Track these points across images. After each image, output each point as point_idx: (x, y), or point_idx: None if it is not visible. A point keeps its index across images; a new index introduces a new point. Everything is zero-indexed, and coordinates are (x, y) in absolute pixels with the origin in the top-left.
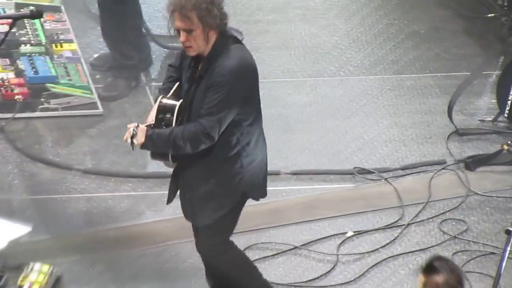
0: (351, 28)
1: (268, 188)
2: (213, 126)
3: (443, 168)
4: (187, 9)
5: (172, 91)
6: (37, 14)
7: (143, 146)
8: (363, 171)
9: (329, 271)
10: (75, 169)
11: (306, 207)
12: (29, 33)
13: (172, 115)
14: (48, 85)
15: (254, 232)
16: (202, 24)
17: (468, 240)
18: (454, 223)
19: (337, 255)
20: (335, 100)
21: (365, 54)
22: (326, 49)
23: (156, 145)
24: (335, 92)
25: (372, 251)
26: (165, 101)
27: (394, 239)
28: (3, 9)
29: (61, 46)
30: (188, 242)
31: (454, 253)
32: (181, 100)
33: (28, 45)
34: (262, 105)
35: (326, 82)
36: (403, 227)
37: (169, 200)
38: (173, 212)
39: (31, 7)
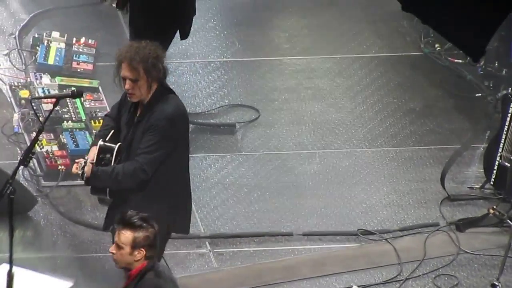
0: (355, 106)
1: (281, 248)
2: (148, 163)
3: (437, 230)
4: (136, 61)
5: (109, 136)
6: (77, 94)
7: (88, 181)
8: (366, 232)
9: None
10: (111, 231)
11: (316, 264)
12: (71, 110)
13: (112, 155)
14: None
15: (270, 286)
16: (147, 76)
17: None
18: (446, 278)
19: None
20: (341, 169)
21: (368, 129)
22: (333, 124)
23: (100, 180)
24: (341, 162)
25: None
26: (104, 143)
27: None
28: (48, 89)
29: (99, 122)
30: None
31: None
32: (119, 143)
33: (70, 121)
34: (277, 173)
35: (333, 154)
36: (402, 281)
37: (105, 228)
38: (198, 269)
39: (73, 88)
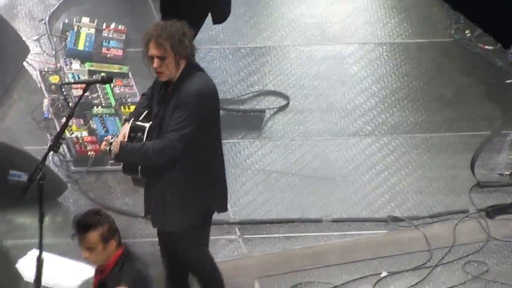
0: (385, 93)
1: (311, 234)
2: (178, 139)
3: (466, 216)
4: (163, 38)
5: (142, 116)
6: (107, 79)
7: (118, 156)
8: (396, 219)
9: None
10: (141, 217)
11: (345, 250)
12: (101, 96)
13: (143, 134)
14: None
15: (300, 272)
16: (174, 52)
17: (488, 280)
18: (476, 264)
19: None
20: (371, 156)
21: (398, 115)
22: (363, 111)
23: (129, 156)
24: (371, 149)
25: None
26: (136, 123)
27: (423, 279)
28: (78, 75)
29: (129, 108)
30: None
31: None
32: (151, 122)
33: (100, 107)
34: (306, 160)
35: (363, 140)
36: (431, 268)
37: (146, 213)
38: (228, 255)
39: (102, 74)
